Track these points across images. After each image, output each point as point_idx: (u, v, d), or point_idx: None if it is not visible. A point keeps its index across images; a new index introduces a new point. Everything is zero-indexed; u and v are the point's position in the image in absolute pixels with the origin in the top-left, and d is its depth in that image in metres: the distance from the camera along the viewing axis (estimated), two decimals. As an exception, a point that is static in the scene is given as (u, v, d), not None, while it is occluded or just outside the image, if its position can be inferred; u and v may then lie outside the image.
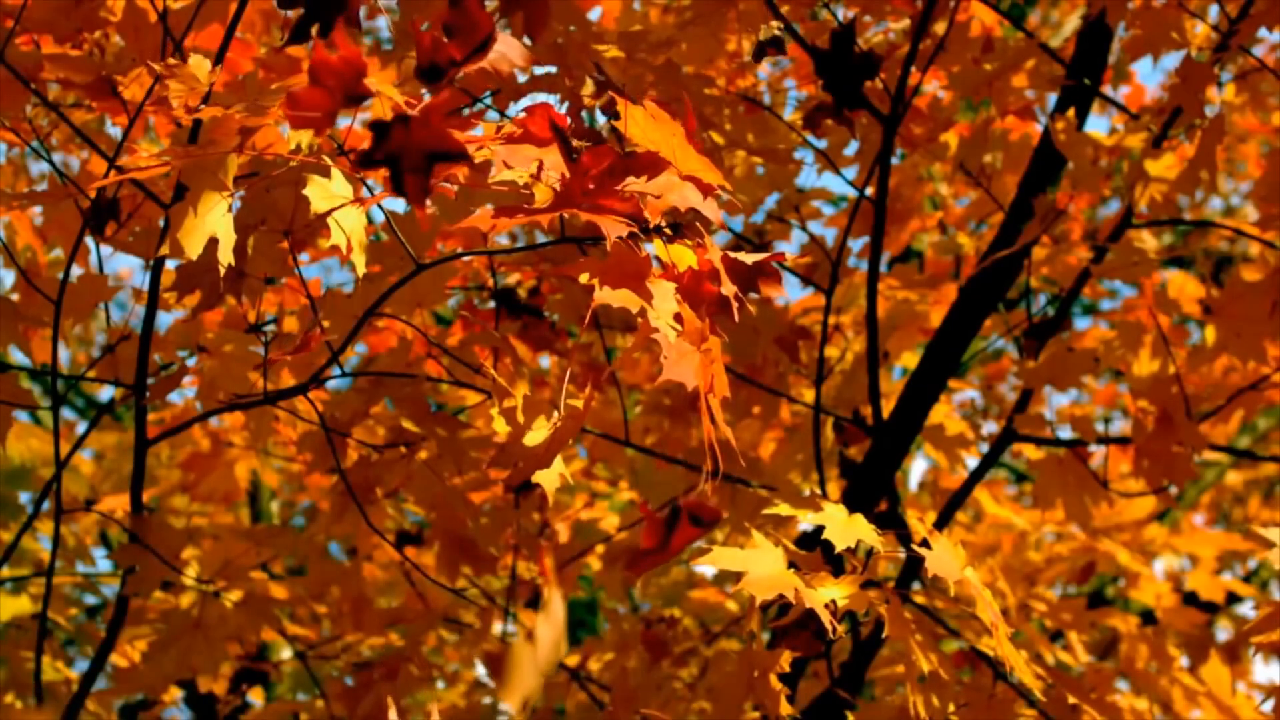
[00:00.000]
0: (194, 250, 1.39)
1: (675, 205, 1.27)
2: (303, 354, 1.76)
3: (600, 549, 3.22)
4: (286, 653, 3.87)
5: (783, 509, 1.52)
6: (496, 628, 3.14)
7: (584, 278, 1.23)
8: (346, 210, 1.34)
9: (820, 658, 2.56)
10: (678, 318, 1.24)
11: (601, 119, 2.08)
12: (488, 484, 2.67)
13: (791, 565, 1.50)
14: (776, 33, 2.05)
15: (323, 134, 1.31)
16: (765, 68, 2.05)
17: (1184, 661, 3.99)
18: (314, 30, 1.57)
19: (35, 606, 2.81)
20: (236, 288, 1.97)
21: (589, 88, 2.01)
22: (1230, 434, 4.78)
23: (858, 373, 2.87)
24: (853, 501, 2.49)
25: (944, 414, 2.90)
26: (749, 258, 1.32)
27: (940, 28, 2.64)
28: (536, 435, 1.35)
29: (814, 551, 1.60)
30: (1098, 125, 14.82)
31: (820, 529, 1.50)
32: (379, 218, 2.71)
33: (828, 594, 1.49)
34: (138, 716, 3.28)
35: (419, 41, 1.36)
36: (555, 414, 1.36)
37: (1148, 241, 3.18)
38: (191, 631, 2.33)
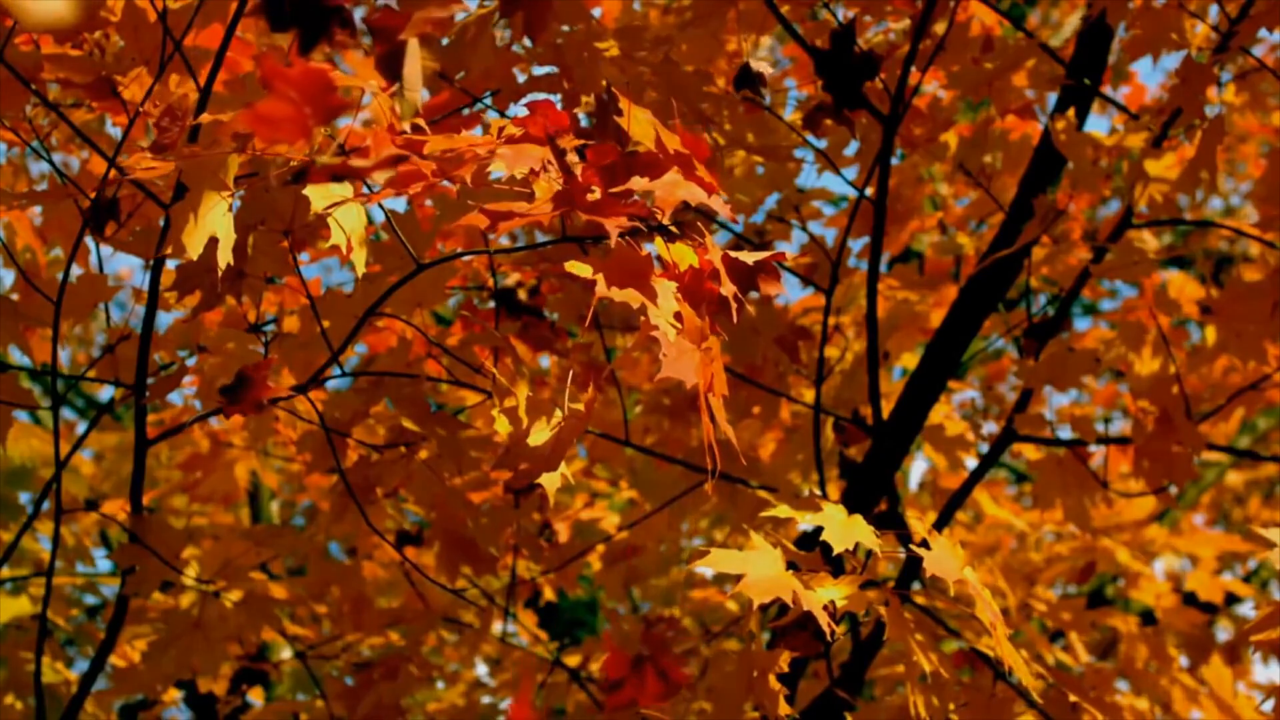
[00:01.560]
0: (195, 250, 1.39)
1: (684, 200, 1.26)
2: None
3: (600, 549, 3.22)
4: (286, 653, 3.87)
5: (782, 510, 1.52)
6: (496, 628, 3.14)
7: (587, 273, 1.22)
8: (346, 209, 1.34)
9: (820, 658, 2.56)
10: (678, 316, 1.24)
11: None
12: (488, 484, 2.67)
13: (791, 566, 1.49)
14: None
15: (299, 146, 1.29)
16: (765, 67, 2.04)
17: (1184, 661, 3.99)
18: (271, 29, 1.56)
19: (35, 607, 2.81)
20: (236, 287, 1.97)
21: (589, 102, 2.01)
22: (1230, 434, 4.77)
23: (858, 373, 2.87)
24: (852, 502, 2.49)
25: (944, 414, 2.90)
26: (749, 257, 1.32)
27: (940, 28, 2.64)
28: (539, 436, 1.35)
29: (813, 552, 1.59)
30: (1098, 125, 14.83)
31: (820, 529, 1.50)
32: (379, 217, 2.71)
33: (826, 595, 1.48)
34: (138, 717, 3.28)
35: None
36: (557, 414, 1.36)
37: (1148, 241, 3.18)
38: (191, 631, 2.33)
